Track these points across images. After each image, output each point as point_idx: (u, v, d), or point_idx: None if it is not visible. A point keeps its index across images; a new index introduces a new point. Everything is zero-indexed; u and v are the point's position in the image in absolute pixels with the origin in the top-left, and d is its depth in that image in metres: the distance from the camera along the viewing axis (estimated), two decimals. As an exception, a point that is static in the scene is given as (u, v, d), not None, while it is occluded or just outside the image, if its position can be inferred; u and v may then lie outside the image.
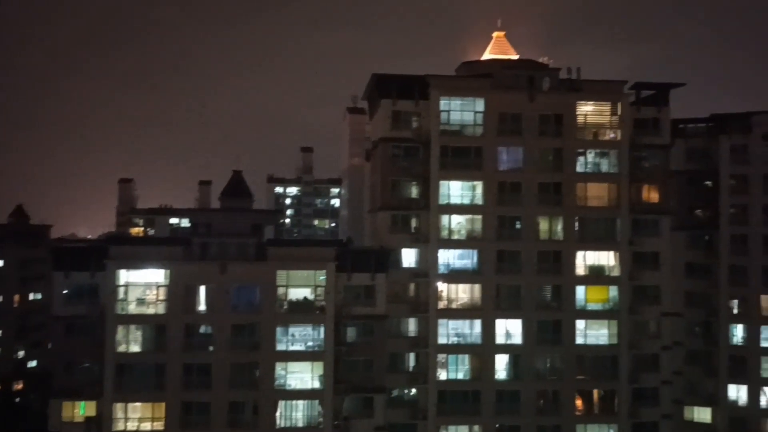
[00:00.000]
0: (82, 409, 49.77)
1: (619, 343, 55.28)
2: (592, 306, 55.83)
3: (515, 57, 67.11)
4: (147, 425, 49.09)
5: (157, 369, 49.13)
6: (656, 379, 56.27)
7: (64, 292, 50.11)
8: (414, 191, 55.50)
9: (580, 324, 55.35)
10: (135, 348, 49.72)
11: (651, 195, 57.44)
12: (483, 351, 54.41)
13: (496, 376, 54.51)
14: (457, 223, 55.38)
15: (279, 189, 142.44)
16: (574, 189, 55.79)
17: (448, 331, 54.28)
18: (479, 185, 55.23)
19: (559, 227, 55.73)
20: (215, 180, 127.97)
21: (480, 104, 55.34)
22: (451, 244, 54.94)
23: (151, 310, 49.91)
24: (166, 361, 49.13)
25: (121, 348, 49.26)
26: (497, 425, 54.25)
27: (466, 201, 55.40)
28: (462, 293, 55.15)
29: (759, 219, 61.93)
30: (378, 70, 56.16)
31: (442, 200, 54.76)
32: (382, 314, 52.01)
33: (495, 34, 70.06)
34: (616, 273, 55.95)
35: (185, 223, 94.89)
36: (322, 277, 50.97)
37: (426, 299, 54.09)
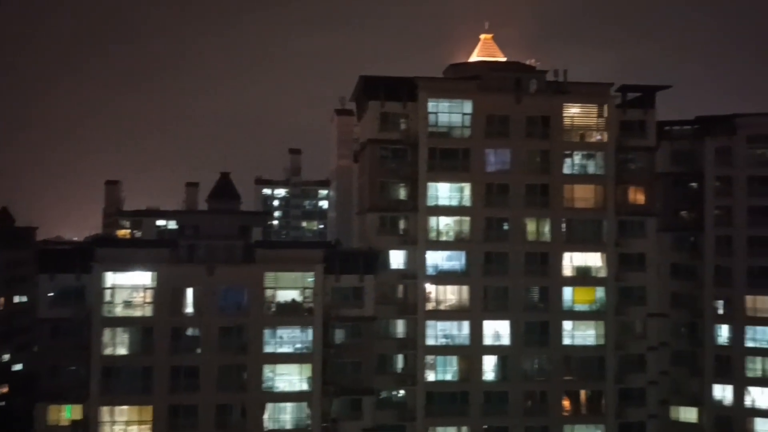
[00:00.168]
0: (68, 413, 49.38)
1: (606, 343, 55.63)
2: (579, 307, 56.16)
3: (502, 59, 67.42)
4: (134, 428, 48.76)
5: (144, 372, 48.84)
6: (643, 380, 56.67)
7: (50, 294, 49.74)
8: (402, 193, 55.59)
9: (567, 325, 55.66)
10: (122, 351, 49.42)
11: (637, 197, 57.86)
12: (471, 352, 54.56)
13: (484, 377, 54.69)
14: (445, 224, 55.52)
15: (267, 191, 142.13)
16: (561, 191, 56.11)
17: (436, 332, 54.40)
18: (467, 187, 55.41)
19: (547, 229, 56.02)
20: (203, 182, 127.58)
21: (468, 106, 55.54)
22: (439, 245, 55.07)
23: (137, 313, 49.63)
24: (153, 363, 48.85)
25: (108, 351, 48.92)
26: (485, 426, 54.40)
27: (454, 203, 55.57)
28: (450, 294, 55.29)
29: (743, 220, 62.56)
30: (366, 72, 56.27)
31: (430, 202, 54.89)
32: (370, 316, 52.03)
33: (482, 37, 70.33)
34: (602, 274, 56.31)
35: (172, 225, 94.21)
36: (310, 279, 50.92)
37: (414, 301, 54.18)
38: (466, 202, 55.45)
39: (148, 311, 49.47)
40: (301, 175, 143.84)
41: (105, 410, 48.49)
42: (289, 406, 50.59)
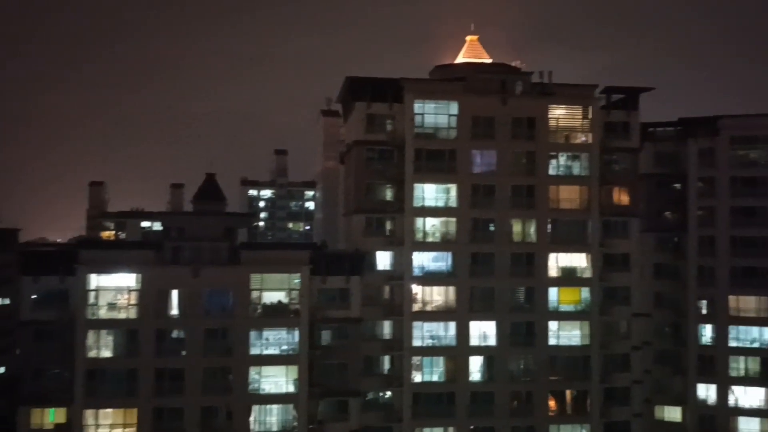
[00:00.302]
0: (52, 416, 48.89)
1: (591, 343, 55.97)
2: (565, 307, 56.46)
3: (488, 61, 67.72)
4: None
5: (129, 374, 48.53)
6: (627, 379, 57.09)
7: (33, 296, 49.20)
8: (388, 194, 55.60)
9: (552, 325, 55.95)
10: (106, 353, 49.04)
11: (621, 197, 58.29)
12: (457, 353, 54.68)
13: (471, 378, 54.82)
14: (431, 225, 55.61)
15: (253, 192, 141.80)
16: (547, 192, 56.39)
17: (422, 333, 54.47)
18: (453, 188, 55.55)
19: (532, 230, 56.29)
20: (188, 183, 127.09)
21: (454, 107, 55.69)
22: (425, 246, 55.15)
23: (122, 315, 49.28)
24: (138, 366, 48.54)
25: (92, 353, 48.54)
26: (471, 427, 54.52)
27: (441, 204, 55.68)
28: (436, 296, 55.38)
29: (726, 221, 63.18)
30: (352, 73, 56.23)
31: (417, 203, 54.96)
32: (356, 317, 52.00)
33: (468, 38, 70.62)
34: (587, 275, 56.65)
35: (157, 226, 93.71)
36: (296, 281, 50.80)
37: (400, 302, 54.21)
38: (453, 203, 55.59)
39: (132, 313, 49.12)
40: (287, 176, 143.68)
41: (89, 413, 48.11)
42: (275, 408, 50.45)
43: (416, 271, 54.74)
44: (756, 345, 62.51)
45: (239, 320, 49.90)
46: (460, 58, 68.76)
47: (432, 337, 54.85)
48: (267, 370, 50.43)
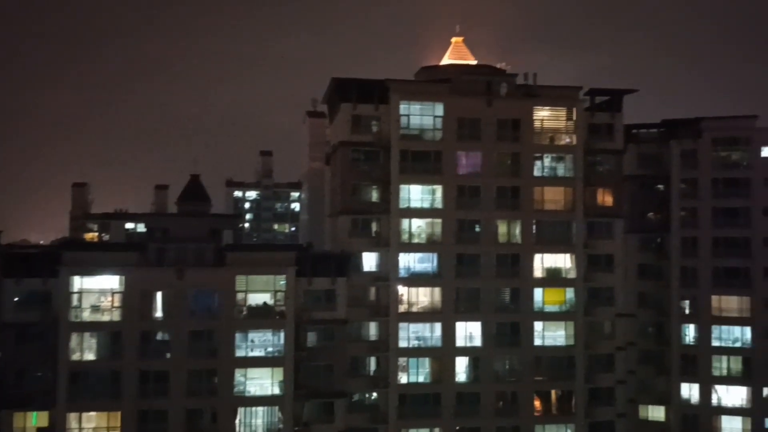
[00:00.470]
0: (34, 420, 48.36)
1: (576, 344, 56.30)
2: (549, 308, 56.74)
3: (473, 62, 67.99)
4: (102, 435, 47.99)
5: (113, 377, 48.15)
6: (611, 379, 57.42)
7: (15, 299, 48.59)
8: (374, 195, 55.61)
9: (537, 326, 56.19)
10: (89, 356, 48.61)
11: (605, 199, 58.69)
12: (443, 354, 54.78)
13: (456, 379, 54.93)
14: (417, 226, 55.69)
15: (238, 193, 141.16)
16: (532, 193, 56.67)
17: (408, 334, 54.50)
18: (439, 189, 55.68)
19: (517, 230, 56.54)
20: (172, 184, 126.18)
21: (439, 109, 55.82)
22: (411, 247, 55.22)
23: (105, 317, 48.89)
24: (122, 368, 48.19)
25: (75, 356, 48.12)
26: (457, 427, 54.63)
27: (426, 205, 55.78)
28: (422, 296, 55.46)
29: (708, 222, 63.86)
30: (338, 74, 56.20)
31: (403, 204, 55.02)
32: (342, 318, 51.94)
33: (453, 40, 70.85)
34: (572, 275, 56.99)
35: (141, 228, 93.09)
36: (281, 282, 50.67)
37: (386, 303, 54.22)
38: (438, 204, 55.71)
39: (116, 315, 48.75)
40: (273, 177, 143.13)
41: (72, 417, 47.68)
42: (260, 410, 50.26)
43: (402, 272, 54.80)
44: (738, 344, 63.23)
45: (224, 322, 49.67)
46: (446, 60, 68.97)
47: (418, 338, 54.92)
48: (252, 372, 50.24)
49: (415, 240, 55.45)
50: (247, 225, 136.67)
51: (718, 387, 63.28)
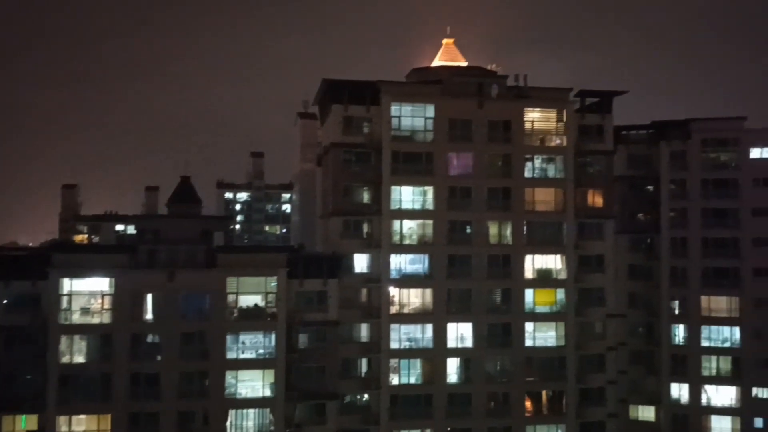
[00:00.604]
0: (24, 423, 48.04)
1: (567, 344, 56.49)
2: (540, 309, 56.90)
3: (464, 64, 68.09)
4: (92, 438, 47.73)
5: (103, 380, 47.90)
6: (602, 380, 57.67)
7: (4, 301, 48.30)
8: (365, 196, 55.60)
9: (528, 327, 56.34)
10: (79, 359, 48.34)
11: (595, 200, 58.95)
12: (434, 355, 54.82)
13: (448, 380, 54.99)
14: (408, 228, 55.73)
15: (229, 194, 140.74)
16: (523, 194, 56.83)
17: (400, 335, 54.51)
18: (430, 190, 55.74)
19: (508, 232, 56.69)
20: (163, 186, 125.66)
21: (430, 110, 55.90)
22: (402, 249, 55.24)
23: (96, 320, 48.65)
24: (112, 371, 47.95)
25: (65, 359, 47.84)
26: (449, 428, 54.64)
27: (418, 206, 55.82)
28: (414, 298, 55.50)
29: (698, 222, 64.29)
30: (329, 76, 56.17)
31: (394, 205, 55.04)
32: (334, 320, 51.90)
33: (444, 41, 70.93)
34: (563, 276, 57.19)
35: (131, 230, 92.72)
36: (273, 284, 50.58)
37: (378, 304, 54.20)
38: (430, 205, 55.77)
39: (106, 318, 48.52)
40: (264, 178, 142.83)
41: (62, 420, 47.42)
42: (252, 413, 50.13)
43: (393, 274, 54.82)
44: (727, 345, 63.65)
45: (216, 324, 49.52)
46: (437, 61, 69.05)
47: (409, 340, 54.95)
48: (244, 374, 50.10)
49: (407, 241, 55.49)
50: (238, 226, 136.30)
51: (707, 387, 63.68)
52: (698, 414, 63.24)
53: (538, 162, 57.75)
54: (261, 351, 50.47)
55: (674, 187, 65.28)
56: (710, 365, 63.59)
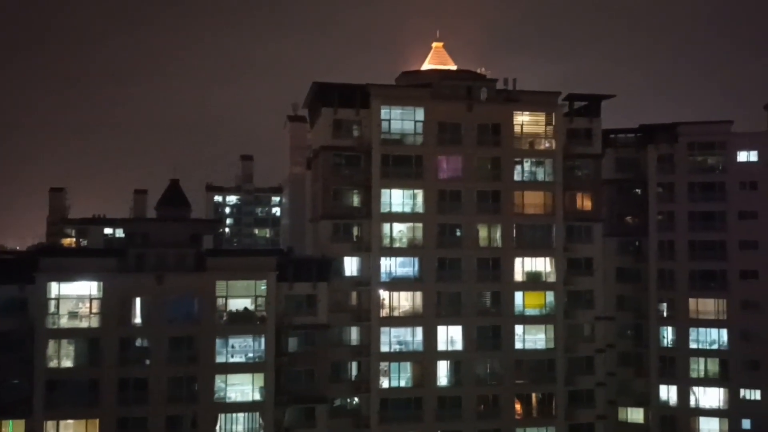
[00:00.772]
0: (11, 429, 47.50)
1: (556, 347, 56.72)
2: (530, 311, 57.10)
3: (454, 67, 68.20)
4: (80, 443, 47.37)
5: (91, 384, 47.52)
6: (591, 382, 57.97)
7: (-9, 306, 47.83)
8: (355, 200, 55.63)
9: (518, 329, 56.53)
10: (67, 363, 47.95)
11: (584, 203, 59.29)
12: (424, 358, 54.87)
13: (438, 383, 55.05)
14: (398, 231, 55.78)
15: (218, 198, 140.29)
16: (512, 197, 57.06)
17: (390, 339, 54.53)
18: (420, 194, 55.84)
19: (498, 234, 56.87)
20: (151, 189, 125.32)
21: (420, 113, 56.04)
22: (392, 252, 55.28)
23: (84, 324, 48.26)
24: (100, 376, 47.56)
25: (53, 363, 47.44)
26: (439, 431, 54.71)
27: (407, 209, 55.89)
28: (404, 301, 55.54)
29: (685, 225, 64.73)
30: (319, 79, 56.17)
31: (384, 208, 55.08)
32: (323, 323, 51.81)
33: (434, 45, 71.01)
34: (552, 279, 57.41)
35: (120, 233, 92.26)
36: (262, 287, 50.44)
37: (368, 308, 54.20)
38: (419, 208, 55.86)
39: (94, 322, 48.16)
40: (253, 181, 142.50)
41: (50, 425, 46.95)
42: (241, 417, 49.91)
43: (383, 277, 54.83)
44: (715, 347, 64.08)
45: (205, 328, 49.31)
46: (426, 65, 69.13)
47: (399, 343, 54.95)
48: (233, 378, 49.90)
49: (397, 244, 55.53)
50: (227, 230, 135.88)
51: (695, 389, 64.06)
52: (686, 415, 63.59)
53: (527, 165, 58.00)
54: (250, 355, 50.30)
55: (662, 190, 65.73)
56: (698, 367, 64.00)
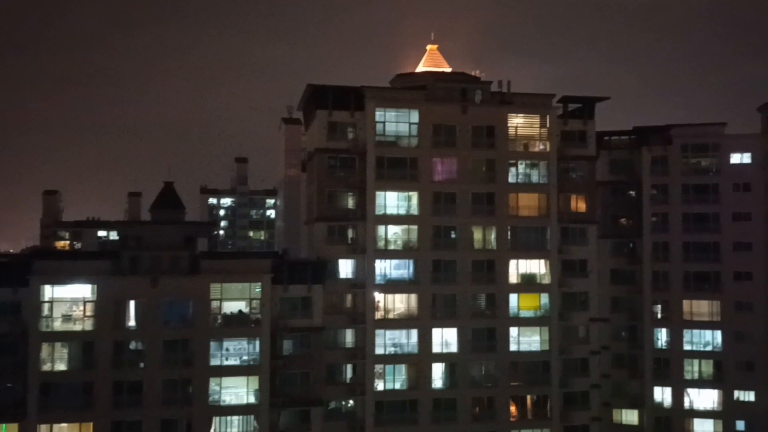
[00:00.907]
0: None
1: (551, 348, 56.76)
2: (525, 313, 57.15)
3: (448, 70, 68.31)
4: (74, 446, 47.20)
5: (85, 387, 47.33)
6: (586, 383, 58.01)
7: (-16, 309, 47.60)
8: (350, 202, 55.61)
9: (513, 331, 56.56)
10: (61, 366, 47.75)
11: (579, 205, 59.40)
12: (420, 360, 54.84)
13: (433, 385, 55.01)
14: (393, 233, 55.78)
15: (213, 200, 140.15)
16: (506, 199, 57.13)
17: (385, 341, 54.48)
18: (415, 196, 55.86)
19: (493, 236, 56.92)
20: (145, 191, 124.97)
21: (414, 116, 56.09)
22: (387, 254, 55.26)
23: (78, 327, 48.09)
24: (95, 379, 47.40)
25: (46, 366, 47.24)
26: (434, 433, 54.67)
27: (402, 211, 55.91)
28: (399, 303, 55.51)
29: (679, 227, 64.95)
30: (314, 81, 56.17)
31: (379, 211, 55.08)
32: (319, 326, 51.74)
33: (428, 47, 71.15)
34: (546, 281, 57.48)
35: (114, 236, 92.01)
36: (257, 290, 50.35)
37: (363, 310, 54.16)
38: (414, 210, 55.87)
39: (88, 325, 47.99)
40: (248, 184, 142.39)
41: (43, 428, 46.75)
42: (236, 420, 49.79)
43: (378, 279, 54.79)
44: (709, 348, 64.28)
45: (199, 331, 49.18)
46: (421, 67, 69.23)
47: (394, 345, 54.92)
48: (228, 381, 49.77)
49: (392, 246, 55.52)
50: (222, 232, 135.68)
51: (690, 390, 64.18)
52: (681, 417, 63.73)
53: (521, 167, 58.09)
54: (245, 357, 50.18)
55: (656, 192, 65.94)
56: (692, 368, 64.16)
